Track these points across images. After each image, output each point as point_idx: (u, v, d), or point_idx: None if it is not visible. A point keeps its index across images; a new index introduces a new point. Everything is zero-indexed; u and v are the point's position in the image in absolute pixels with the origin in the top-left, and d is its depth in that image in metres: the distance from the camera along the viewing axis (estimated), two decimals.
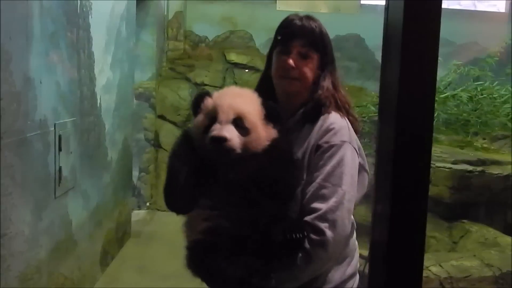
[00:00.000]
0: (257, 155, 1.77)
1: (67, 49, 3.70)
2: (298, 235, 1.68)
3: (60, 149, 3.55)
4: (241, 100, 1.81)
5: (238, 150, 1.72)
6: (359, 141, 1.95)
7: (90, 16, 4.25)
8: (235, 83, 7.72)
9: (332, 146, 1.82)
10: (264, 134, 1.78)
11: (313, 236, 1.73)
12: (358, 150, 1.91)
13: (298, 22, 1.96)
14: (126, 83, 5.77)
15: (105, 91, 4.88)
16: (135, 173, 7.22)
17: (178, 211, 1.83)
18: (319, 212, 1.74)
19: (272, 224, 1.71)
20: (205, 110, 1.82)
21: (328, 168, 1.79)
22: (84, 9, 4.09)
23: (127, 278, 5.01)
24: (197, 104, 1.86)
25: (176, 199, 1.79)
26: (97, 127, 4.65)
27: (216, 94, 1.86)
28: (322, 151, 1.83)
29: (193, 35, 8.78)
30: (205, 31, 8.78)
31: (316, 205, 1.76)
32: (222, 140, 1.69)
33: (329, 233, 1.72)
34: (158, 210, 7.48)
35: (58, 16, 3.49)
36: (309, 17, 1.99)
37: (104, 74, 4.84)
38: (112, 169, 5.29)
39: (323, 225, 1.73)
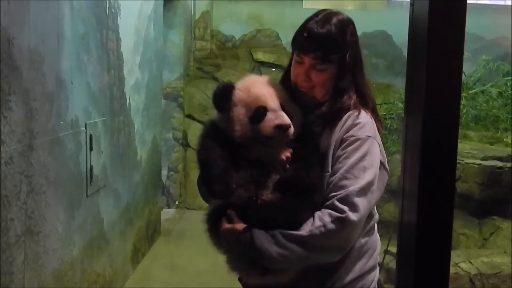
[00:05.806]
0: None
1: (97, 50, 3.77)
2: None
3: (91, 149, 3.62)
4: (275, 88, 1.89)
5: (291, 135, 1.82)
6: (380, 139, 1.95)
7: (118, 17, 4.31)
8: None
9: (357, 139, 1.82)
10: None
11: (333, 213, 1.73)
12: (380, 147, 1.90)
13: (315, 30, 1.87)
14: (155, 83, 5.84)
15: (134, 91, 4.95)
16: (164, 172, 7.28)
17: (222, 196, 1.83)
18: (339, 195, 1.74)
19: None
20: (242, 102, 1.86)
21: (351, 160, 1.79)
22: (113, 11, 4.15)
23: (158, 275, 5.08)
24: (226, 96, 1.89)
25: (218, 183, 1.79)
26: (126, 126, 4.72)
27: (243, 85, 1.91)
28: (346, 144, 1.83)
29: (220, 34, 8.82)
30: (232, 30, 8.81)
31: (336, 193, 1.76)
32: (287, 127, 1.79)
33: (350, 214, 1.71)
34: (187, 208, 7.56)
35: (88, 18, 3.56)
36: (327, 20, 1.89)
37: (133, 74, 4.91)
38: (142, 168, 5.36)
39: (344, 207, 1.72)
